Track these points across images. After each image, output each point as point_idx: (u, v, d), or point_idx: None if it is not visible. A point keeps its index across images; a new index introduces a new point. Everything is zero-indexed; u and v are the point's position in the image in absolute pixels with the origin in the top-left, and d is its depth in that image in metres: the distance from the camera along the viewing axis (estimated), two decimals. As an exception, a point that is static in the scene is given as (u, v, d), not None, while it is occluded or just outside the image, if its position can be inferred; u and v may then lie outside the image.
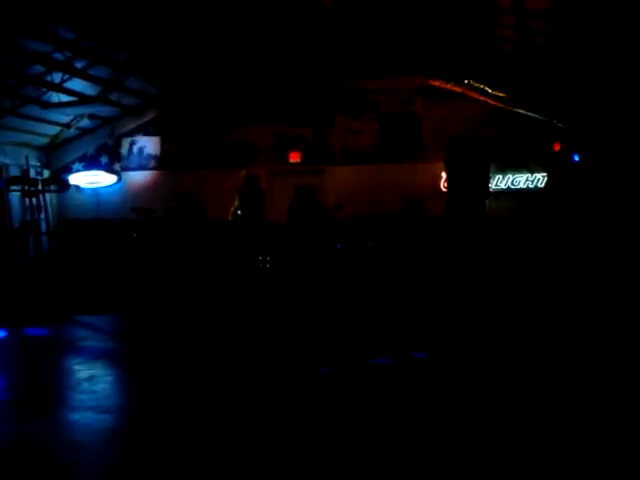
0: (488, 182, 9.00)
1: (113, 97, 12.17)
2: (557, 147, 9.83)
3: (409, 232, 9.77)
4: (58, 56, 10.30)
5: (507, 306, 7.84)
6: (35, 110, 11.78)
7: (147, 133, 13.57)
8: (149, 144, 13.55)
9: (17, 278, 11.12)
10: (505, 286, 8.40)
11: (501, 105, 9.29)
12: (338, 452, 3.58)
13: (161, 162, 13.48)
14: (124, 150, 13.71)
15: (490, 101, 9.30)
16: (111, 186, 13.55)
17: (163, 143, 13.47)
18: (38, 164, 13.41)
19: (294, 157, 12.75)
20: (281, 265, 9.24)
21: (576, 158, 9.70)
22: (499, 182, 11.28)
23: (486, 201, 8.65)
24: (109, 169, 13.62)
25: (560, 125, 9.08)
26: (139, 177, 13.53)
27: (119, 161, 13.72)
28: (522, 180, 11.27)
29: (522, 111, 9.09)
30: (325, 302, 8.46)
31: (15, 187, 12.36)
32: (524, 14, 7.72)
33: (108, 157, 13.78)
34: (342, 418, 4.17)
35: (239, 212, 7.95)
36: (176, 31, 10.48)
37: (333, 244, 9.88)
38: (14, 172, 12.58)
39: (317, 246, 9.23)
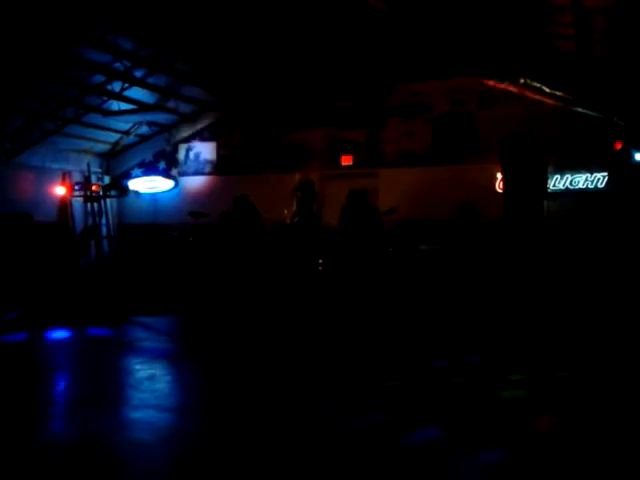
0: (546, 182, 8.82)
1: (170, 104, 12.46)
2: (618, 146, 9.53)
3: (463, 235, 9.64)
4: (118, 66, 10.64)
5: (566, 308, 7.65)
6: (96, 118, 12.19)
7: (203, 139, 13.85)
8: (205, 149, 13.82)
9: (79, 280, 11.51)
10: (564, 288, 8.20)
11: (559, 104, 9.05)
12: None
13: (217, 167, 13.73)
14: (181, 156, 14.02)
15: (547, 100, 9.06)
16: (168, 191, 13.91)
17: (219, 148, 13.72)
18: (99, 170, 13.88)
19: (346, 160, 12.75)
20: (334, 268, 9.27)
21: (638, 157, 9.38)
22: (557, 182, 11.00)
23: (544, 202, 8.48)
24: (167, 174, 13.97)
25: (621, 123, 8.78)
26: (195, 182, 13.81)
27: (176, 166, 14.04)
28: (581, 180, 10.96)
29: (581, 109, 8.83)
30: (377, 304, 8.44)
31: (78, 193, 12.83)
32: (582, 11, 7.52)
33: (165, 163, 14.12)
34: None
35: (297, 216, 8.03)
36: (232, 38, 10.65)
37: (386, 247, 9.83)
38: (77, 178, 13.08)
39: (370, 249, 9.20)
